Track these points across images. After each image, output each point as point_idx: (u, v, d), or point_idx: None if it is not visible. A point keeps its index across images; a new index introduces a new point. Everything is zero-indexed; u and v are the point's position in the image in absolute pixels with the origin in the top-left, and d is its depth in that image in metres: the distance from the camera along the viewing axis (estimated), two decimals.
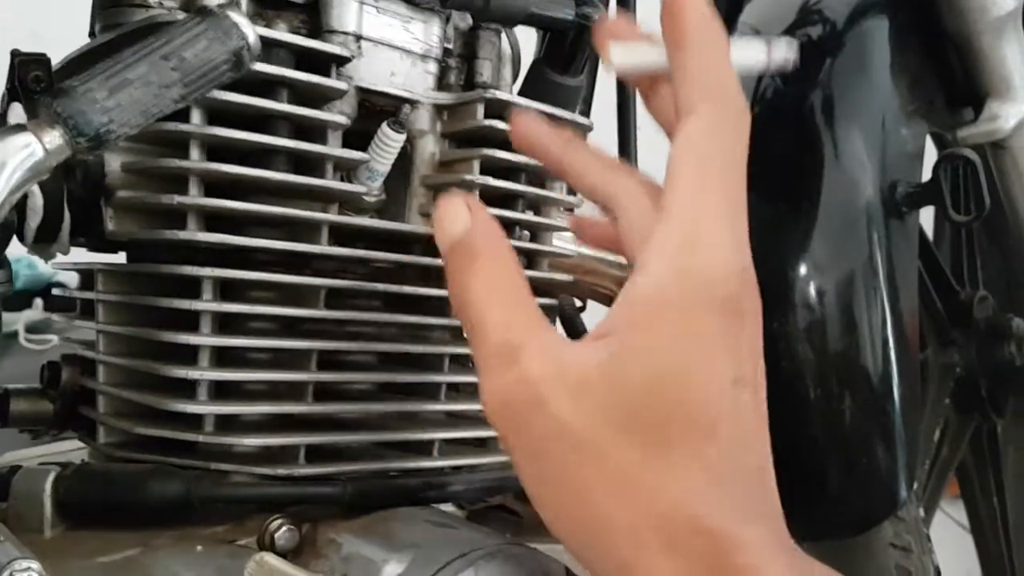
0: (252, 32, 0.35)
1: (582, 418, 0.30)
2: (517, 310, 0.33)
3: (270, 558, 0.35)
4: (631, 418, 0.30)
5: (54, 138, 0.32)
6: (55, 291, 0.51)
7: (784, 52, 0.36)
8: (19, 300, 1.28)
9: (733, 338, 0.32)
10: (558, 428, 0.31)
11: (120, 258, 0.48)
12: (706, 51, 0.34)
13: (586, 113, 0.59)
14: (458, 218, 0.34)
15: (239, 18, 0.34)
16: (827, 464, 0.62)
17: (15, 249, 0.40)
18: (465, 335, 0.34)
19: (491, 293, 0.33)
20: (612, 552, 0.30)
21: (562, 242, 0.53)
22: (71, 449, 0.50)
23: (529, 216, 0.49)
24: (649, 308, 0.32)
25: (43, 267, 1.32)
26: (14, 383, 0.48)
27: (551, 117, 0.48)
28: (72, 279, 0.58)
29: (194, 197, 0.39)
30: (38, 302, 1.35)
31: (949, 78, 0.78)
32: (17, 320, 1.30)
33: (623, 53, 0.35)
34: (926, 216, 0.75)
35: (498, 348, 0.32)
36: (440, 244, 0.35)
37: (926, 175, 0.70)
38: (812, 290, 0.64)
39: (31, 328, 1.31)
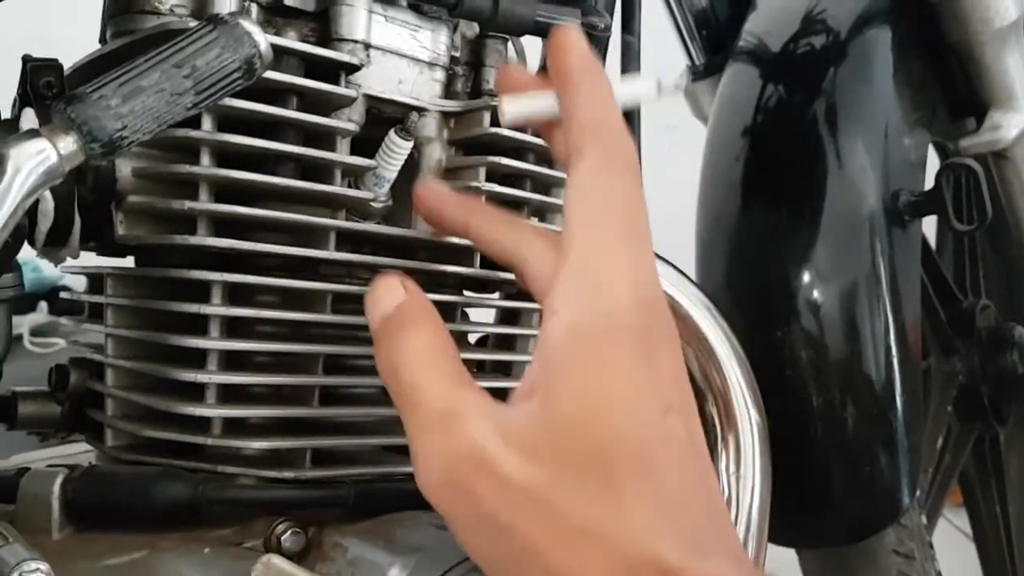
0: (264, 40, 0.35)
1: (530, 473, 0.30)
2: (452, 376, 0.32)
3: (277, 560, 0.36)
4: (576, 464, 0.30)
5: (68, 144, 0.32)
6: (63, 295, 0.51)
7: (674, 81, 0.37)
8: (24, 303, 1.29)
9: (651, 368, 0.32)
10: (507, 488, 0.30)
11: (127, 262, 0.48)
12: (590, 93, 0.35)
13: None
14: (393, 293, 0.34)
15: (251, 26, 0.35)
16: (830, 471, 0.63)
17: (20, 252, 0.40)
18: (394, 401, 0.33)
19: (424, 359, 0.33)
20: None
21: None
22: (79, 452, 0.50)
23: (535, 223, 0.49)
24: (562, 351, 0.32)
25: (48, 270, 1.32)
26: (18, 386, 0.48)
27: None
28: (76, 282, 0.58)
29: (204, 203, 0.40)
30: (43, 305, 1.36)
31: (951, 88, 0.78)
32: (22, 323, 1.30)
33: (514, 104, 0.37)
34: (928, 225, 0.75)
35: (437, 414, 0.31)
36: (371, 318, 0.35)
37: (928, 184, 0.71)
38: (815, 298, 0.64)
39: (36, 331, 1.32)
